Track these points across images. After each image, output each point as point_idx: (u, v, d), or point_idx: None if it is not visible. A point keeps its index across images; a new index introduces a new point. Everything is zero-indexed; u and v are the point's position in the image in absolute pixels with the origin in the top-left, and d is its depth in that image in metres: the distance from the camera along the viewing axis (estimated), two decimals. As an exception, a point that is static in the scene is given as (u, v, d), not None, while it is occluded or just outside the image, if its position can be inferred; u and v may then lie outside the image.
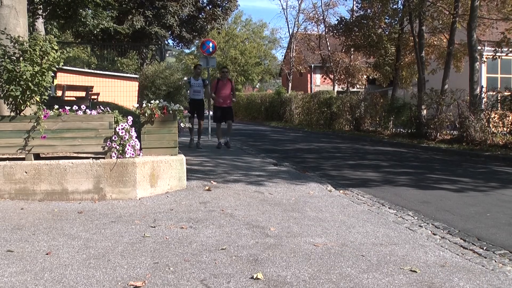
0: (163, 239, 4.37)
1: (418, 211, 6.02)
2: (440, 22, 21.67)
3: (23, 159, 6.07)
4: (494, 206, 6.45)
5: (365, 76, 34.26)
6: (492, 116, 15.12)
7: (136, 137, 6.31)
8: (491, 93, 15.93)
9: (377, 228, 4.95)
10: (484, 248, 4.44)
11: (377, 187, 7.88)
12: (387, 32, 26.34)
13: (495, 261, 4.05)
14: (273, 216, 5.35)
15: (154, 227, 4.79)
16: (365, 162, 11.42)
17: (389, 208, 6.13)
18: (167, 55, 33.54)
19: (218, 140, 13.10)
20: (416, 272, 3.68)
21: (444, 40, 22.48)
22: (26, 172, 5.95)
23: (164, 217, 5.20)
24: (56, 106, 6.23)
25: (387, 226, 5.03)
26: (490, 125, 15.01)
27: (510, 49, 17.10)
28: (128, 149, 6.16)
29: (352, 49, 29.40)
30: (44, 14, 16.21)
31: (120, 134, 6.12)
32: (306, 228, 4.85)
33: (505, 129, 14.99)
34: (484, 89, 16.64)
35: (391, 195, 7.09)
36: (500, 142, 14.43)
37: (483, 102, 15.89)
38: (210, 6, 32.37)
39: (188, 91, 12.57)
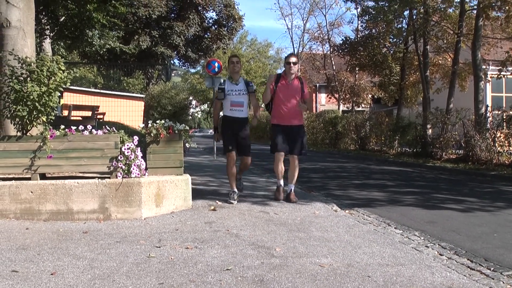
0: (168, 259, 4.35)
1: (424, 231, 5.98)
2: (445, 42, 21.80)
3: (29, 179, 6.08)
4: (501, 227, 6.41)
5: (370, 95, 34.34)
6: (498, 135, 15.10)
7: (141, 157, 6.32)
8: (496, 112, 15.94)
9: (383, 248, 4.92)
10: (492, 269, 4.40)
11: (383, 207, 7.85)
12: (391, 52, 26.49)
13: (503, 282, 4.01)
14: (278, 236, 5.33)
15: (159, 247, 4.78)
16: (370, 182, 11.38)
17: (395, 228, 6.10)
18: (172, 74, 33.77)
19: (278, 180, 7.84)
20: (423, 293, 3.64)
21: (449, 59, 22.57)
22: (31, 192, 5.96)
23: (169, 237, 5.18)
24: (62, 126, 6.26)
25: (393, 247, 5.00)
26: (496, 144, 14.99)
27: (515, 69, 17.15)
28: (133, 169, 6.16)
29: (357, 69, 29.55)
30: (51, 34, 16.41)
31: (126, 154, 6.13)
32: (312, 249, 4.83)
33: (511, 148, 14.95)
34: (489, 108, 16.65)
35: (397, 215, 7.06)
36: (506, 162, 14.39)
37: (489, 121, 15.88)
38: (215, 26, 32.66)
39: (222, 103, 7.71)
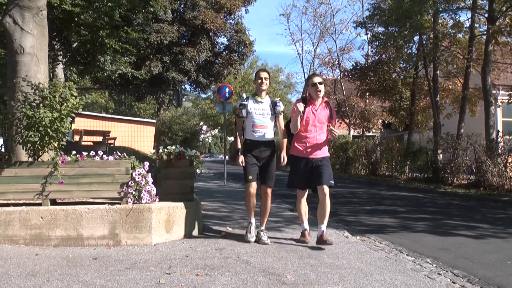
0: (178, 287, 4.32)
1: (436, 258, 5.92)
2: (455, 67, 21.84)
3: (39, 204, 6.09)
4: (514, 254, 6.33)
5: (380, 121, 34.32)
6: (510, 161, 15.00)
7: (152, 183, 6.32)
8: (508, 137, 15.85)
9: (395, 275, 4.87)
10: (506, 297, 4.34)
11: (394, 233, 7.78)
12: (402, 77, 26.58)
13: (518, 312, 3.95)
14: (289, 263, 5.28)
15: (169, 274, 4.75)
16: (381, 208, 11.31)
17: (407, 255, 6.03)
18: (183, 99, 33.95)
19: (302, 223, 6.67)
20: (436, 322, 3.59)
21: (459, 84, 22.57)
22: (42, 218, 5.96)
23: (179, 264, 5.16)
24: (74, 152, 6.30)
25: (405, 274, 4.94)
26: (508, 170, 14.88)
27: (525, 93, 17.10)
28: (144, 195, 6.17)
29: (367, 94, 29.61)
30: (64, 60, 16.58)
31: (137, 179, 6.14)
32: (323, 276, 4.78)
33: (522, 173, 14.84)
34: (500, 134, 16.58)
35: (409, 242, 6.99)
36: (518, 187, 14.26)
37: (500, 146, 15.79)
38: (226, 52, 32.88)
39: (244, 125, 6.63)
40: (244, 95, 6.45)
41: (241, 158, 6.43)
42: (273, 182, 6.56)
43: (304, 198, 6.58)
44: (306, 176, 6.34)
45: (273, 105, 6.61)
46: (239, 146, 6.58)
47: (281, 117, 6.72)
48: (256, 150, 6.46)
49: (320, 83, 6.34)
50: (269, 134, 6.54)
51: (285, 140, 6.70)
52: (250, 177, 6.43)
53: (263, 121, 6.50)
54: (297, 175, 6.41)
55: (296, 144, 6.43)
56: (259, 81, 6.61)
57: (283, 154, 6.62)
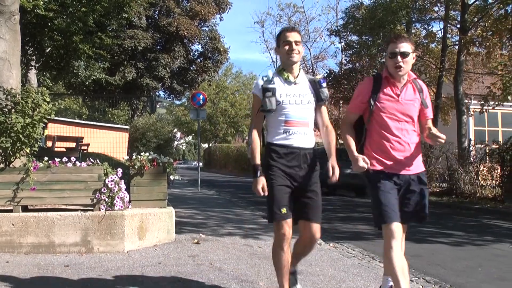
0: (151, 294, 4.29)
1: (409, 265, 5.95)
2: (427, 76, 22.10)
3: (10, 211, 6.00)
4: (486, 261, 6.42)
5: (354, 128, 34.50)
6: (481, 169, 15.25)
7: (125, 189, 6.27)
8: (479, 146, 16.11)
9: (368, 282, 4.90)
10: (476, 303, 4.39)
11: (367, 240, 7.83)
12: (375, 85, 26.71)
13: (487, 317, 4.00)
14: (262, 270, 5.28)
15: (142, 281, 4.71)
16: (355, 215, 11.38)
17: (379, 261, 6.06)
18: (157, 106, 33.80)
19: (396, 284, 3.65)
20: (407, 328, 3.61)
21: (432, 94, 22.83)
22: (13, 225, 5.87)
23: (152, 271, 5.12)
24: (46, 158, 6.22)
25: (377, 281, 4.96)
26: (479, 178, 15.11)
27: (496, 103, 17.39)
28: (117, 202, 6.11)
29: (341, 102, 29.74)
30: (37, 65, 16.38)
31: (110, 186, 6.09)
32: (296, 283, 4.78)
33: (494, 181, 15.08)
34: (472, 142, 16.85)
35: (382, 249, 7.02)
36: (489, 195, 14.50)
37: (472, 155, 16.05)
38: (201, 59, 32.92)
39: (266, 123, 3.88)
40: (270, 73, 3.84)
41: (262, 184, 3.76)
42: (320, 216, 3.88)
43: (400, 243, 3.91)
44: (396, 201, 3.78)
45: (316, 86, 3.93)
46: (257, 160, 3.77)
47: (325, 108, 4.10)
48: (291, 164, 3.77)
49: (403, 54, 3.67)
50: (309, 138, 3.87)
51: (333, 140, 4.07)
52: (280, 211, 3.73)
53: (302, 116, 3.80)
54: (387, 200, 3.74)
55: (373, 153, 3.81)
56: (286, 47, 3.82)
57: (332, 163, 3.91)
